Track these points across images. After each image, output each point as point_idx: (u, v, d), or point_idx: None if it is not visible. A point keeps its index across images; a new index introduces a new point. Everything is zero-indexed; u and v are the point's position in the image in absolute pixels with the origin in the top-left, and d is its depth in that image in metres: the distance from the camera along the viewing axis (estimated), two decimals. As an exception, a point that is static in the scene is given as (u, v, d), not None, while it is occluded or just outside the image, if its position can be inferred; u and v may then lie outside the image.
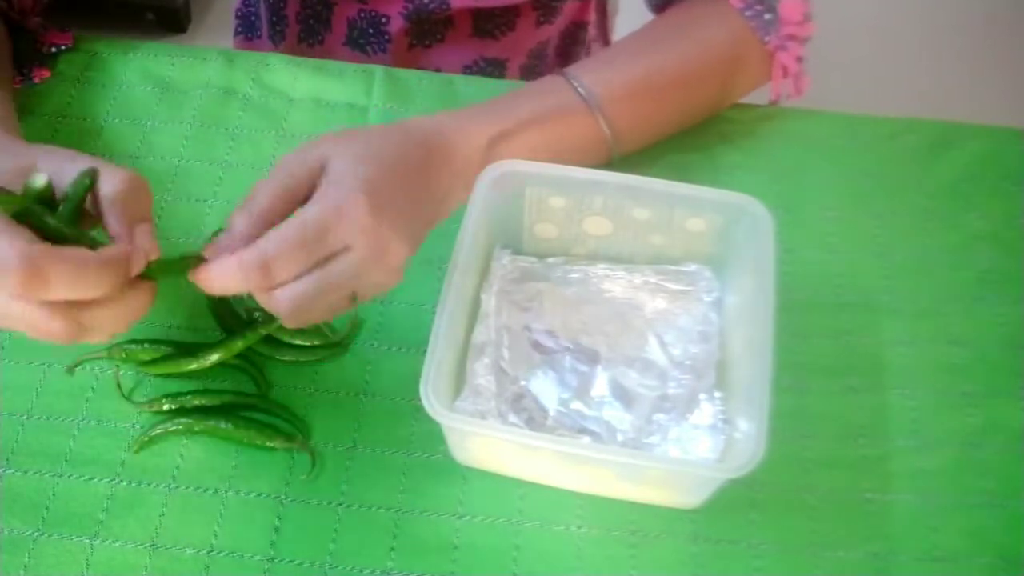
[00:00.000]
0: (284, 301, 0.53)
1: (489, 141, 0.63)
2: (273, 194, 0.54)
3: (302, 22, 0.90)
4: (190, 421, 0.61)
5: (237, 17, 0.98)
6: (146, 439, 0.61)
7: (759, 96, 0.76)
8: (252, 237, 0.52)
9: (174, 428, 0.61)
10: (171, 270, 0.53)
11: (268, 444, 0.60)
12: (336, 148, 0.55)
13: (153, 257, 0.51)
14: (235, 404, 0.62)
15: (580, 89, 0.66)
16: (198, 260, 0.53)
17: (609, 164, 0.68)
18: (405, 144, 0.58)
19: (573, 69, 0.68)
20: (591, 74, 0.67)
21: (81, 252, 0.47)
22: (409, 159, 0.58)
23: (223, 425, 0.61)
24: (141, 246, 0.50)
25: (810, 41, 0.73)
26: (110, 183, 0.51)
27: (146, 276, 0.51)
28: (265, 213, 0.53)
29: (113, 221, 0.51)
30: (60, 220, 0.50)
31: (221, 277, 0.52)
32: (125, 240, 0.50)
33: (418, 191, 0.58)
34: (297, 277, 0.52)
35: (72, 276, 0.46)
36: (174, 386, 0.63)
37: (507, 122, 0.64)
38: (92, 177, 0.51)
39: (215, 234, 0.56)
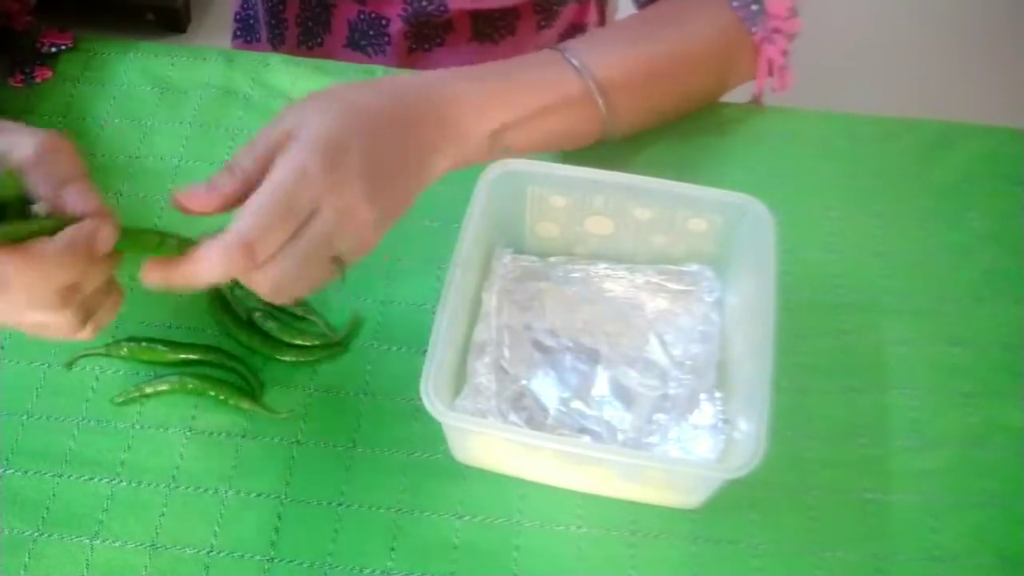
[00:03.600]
0: (268, 279, 0.51)
1: (493, 132, 0.62)
2: (253, 157, 0.53)
3: (301, 24, 0.90)
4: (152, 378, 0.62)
5: (236, 21, 0.98)
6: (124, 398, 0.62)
7: (743, 92, 0.76)
8: (231, 196, 0.52)
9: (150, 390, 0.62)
10: (140, 243, 0.51)
11: (224, 399, 0.61)
12: (305, 108, 0.55)
13: (102, 222, 0.48)
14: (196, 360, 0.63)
15: (590, 81, 0.65)
16: (161, 238, 0.51)
17: (599, 145, 0.68)
18: (381, 98, 0.57)
19: (577, 52, 0.66)
20: (594, 57, 0.66)
21: (37, 247, 0.46)
22: (384, 115, 0.56)
23: (183, 379, 0.62)
24: (74, 207, 0.48)
25: (803, 39, 0.73)
26: (23, 149, 0.48)
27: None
28: (246, 175, 0.52)
29: (38, 187, 0.48)
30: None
31: (208, 269, 0.50)
32: (57, 203, 0.48)
33: (394, 148, 0.56)
34: (278, 250, 0.51)
35: (36, 274, 0.46)
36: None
37: (515, 113, 0.63)
38: (13, 175, 0.48)
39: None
